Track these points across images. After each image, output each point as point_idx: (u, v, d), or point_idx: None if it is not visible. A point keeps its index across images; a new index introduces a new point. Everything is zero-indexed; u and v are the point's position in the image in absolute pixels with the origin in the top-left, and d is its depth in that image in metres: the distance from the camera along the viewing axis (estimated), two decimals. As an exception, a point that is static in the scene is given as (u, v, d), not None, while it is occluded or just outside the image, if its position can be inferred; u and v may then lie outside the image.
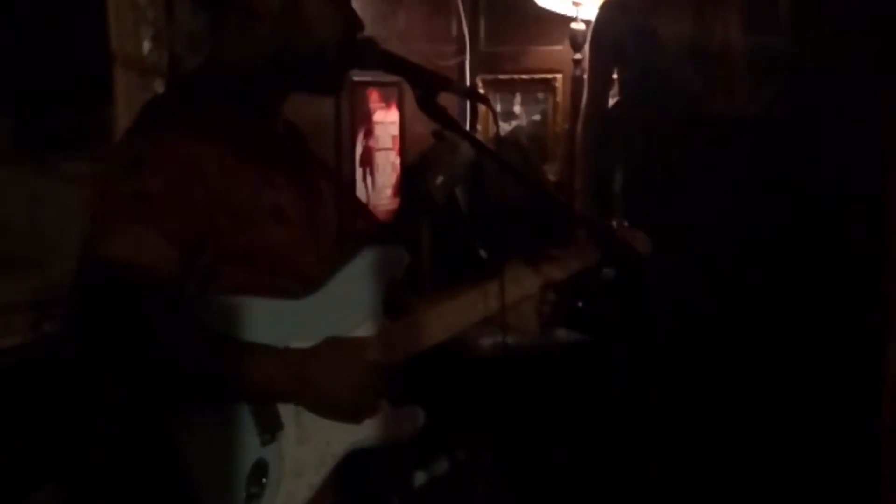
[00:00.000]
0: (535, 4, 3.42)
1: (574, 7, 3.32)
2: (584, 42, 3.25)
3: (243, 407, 1.38)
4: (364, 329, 1.50)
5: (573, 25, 3.34)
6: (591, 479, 2.76)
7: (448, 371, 2.37)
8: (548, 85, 3.72)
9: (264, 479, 1.38)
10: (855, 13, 2.65)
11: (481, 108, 3.53)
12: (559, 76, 3.68)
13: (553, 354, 2.93)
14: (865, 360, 2.55)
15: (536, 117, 3.77)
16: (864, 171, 2.61)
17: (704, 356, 2.67)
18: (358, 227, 1.71)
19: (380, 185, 3.28)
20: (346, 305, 1.49)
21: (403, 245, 1.56)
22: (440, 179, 1.63)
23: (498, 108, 3.73)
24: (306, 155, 1.67)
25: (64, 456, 1.92)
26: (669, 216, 2.61)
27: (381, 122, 3.29)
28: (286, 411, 1.41)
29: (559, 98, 3.70)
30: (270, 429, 1.39)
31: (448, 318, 1.56)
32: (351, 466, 1.48)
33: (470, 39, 3.71)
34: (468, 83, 3.70)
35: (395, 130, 3.35)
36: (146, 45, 2.27)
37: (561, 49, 3.57)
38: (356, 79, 3.07)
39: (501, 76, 3.75)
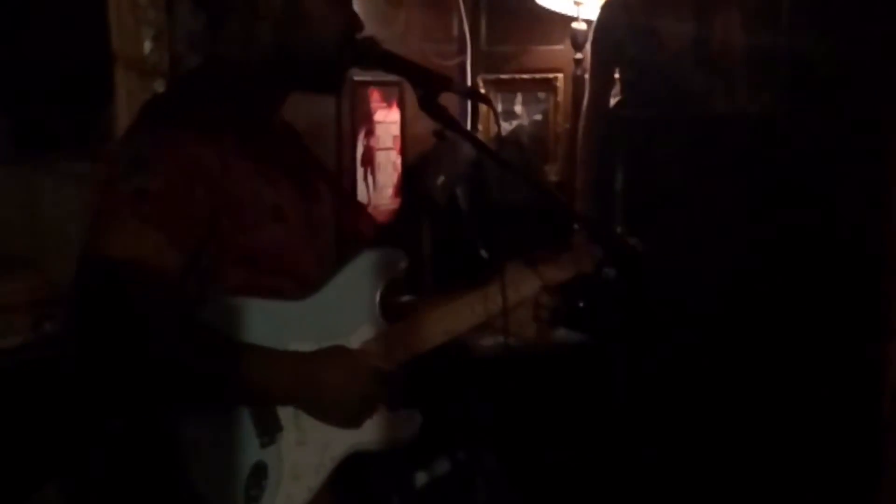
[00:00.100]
0: (536, 4, 3.41)
1: (575, 7, 3.32)
2: (585, 42, 3.24)
3: (243, 409, 1.38)
4: (363, 331, 1.50)
5: (574, 25, 3.34)
6: (591, 479, 2.76)
7: (449, 371, 2.37)
8: (549, 84, 3.71)
9: (263, 481, 1.38)
10: (855, 13, 2.65)
11: (482, 107, 3.52)
12: (560, 76, 3.67)
13: (553, 355, 2.93)
14: (866, 359, 2.55)
15: (537, 117, 3.76)
16: (864, 170, 2.60)
17: (705, 356, 2.67)
18: (356, 228, 1.71)
19: (381, 185, 3.28)
20: (344, 307, 1.49)
21: (403, 245, 1.56)
22: (441, 179, 1.63)
23: (499, 107, 3.72)
24: (305, 155, 1.67)
25: (64, 456, 1.92)
26: (670, 216, 2.60)
27: (382, 122, 3.28)
28: (285, 413, 1.41)
29: (560, 98, 3.70)
30: (270, 431, 1.39)
31: (447, 322, 1.56)
32: (351, 467, 1.48)
33: (471, 39, 3.70)
34: (469, 83, 3.69)
35: (396, 130, 3.35)
36: (147, 46, 2.27)
37: (562, 49, 3.57)
38: (357, 78, 3.07)
39: (502, 76, 3.75)
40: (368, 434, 1.48)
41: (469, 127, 3.51)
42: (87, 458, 1.85)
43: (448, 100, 1.49)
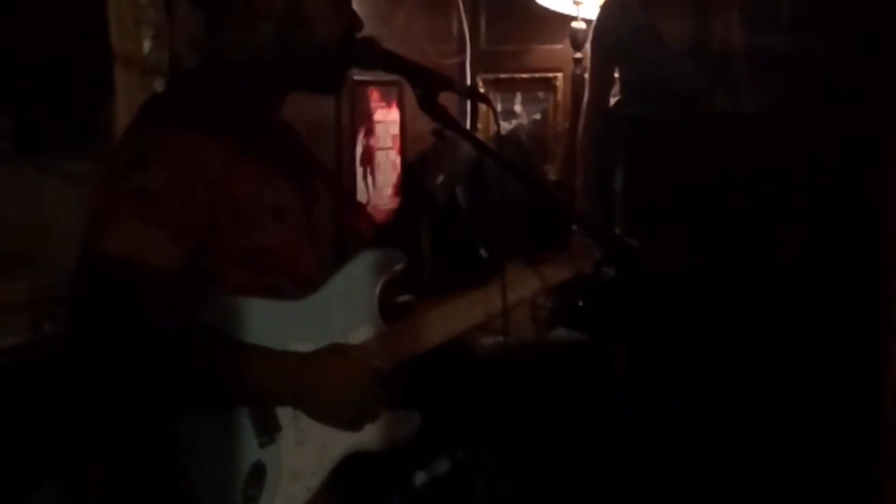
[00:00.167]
0: (535, 3, 3.41)
1: (575, 6, 3.32)
2: (585, 41, 3.24)
3: (242, 409, 1.38)
4: (362, 331, 1.50)
5: (574, 24, 3.34)
6: (591, 479, 2.76)
7: (448, 370, 2.37)
8: (548, 84, 3.71)
9: (262, 481, 1.38)
10: (855, 12, 2.65)
11: (482, 107, 3.52)
12: (560, 75, 3.67)
13: (553, 354, 2.93)
14: (866, 358, 2.55)
15: (537, 116, 3.76)
16: (864, 169, 2.60)
17: (704, 355, 2.67)
18: (356, 228, 1.71)
19: (380, 185, 3.28)
20: (343, 307, 1.49)
21: (402, 245, 1.56)
22: (441, 178, 1.63)
23: (498, 107, 3.72)
24: (304, 155, 1.67)
25: (63, 456, 1.92)
26: (670, 215, 2.60)
27: (382, 122, 3.28)
28: (284, 413, 1.41)
29: (560, 97, 3.69)
30: (269, 431, 1.39)
31: (446, 322, 1.55)
32: (350, 467, 1.48)
33: (470, 38, 3.70)
34: (469, 82, 3.69)
35: (395, 129, 3.35)
36: (146, 45, 2.27)
37: (561, 48, 3.57)
38: (357, 78, 3.07)
39: (502, 75, 3.75)
40: (368, 434, 1.48)
41: (469, 126, 3.51)
42: (86, 458, 1.85)
43: (447, 99, 1.49)
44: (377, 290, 1.51)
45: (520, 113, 3.77)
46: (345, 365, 1.44)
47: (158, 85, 2.26)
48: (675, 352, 2.68)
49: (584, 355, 2.92)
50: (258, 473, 1.38)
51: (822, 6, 2.75)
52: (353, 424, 1.45)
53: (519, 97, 3.76)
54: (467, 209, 3.07)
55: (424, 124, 1.56)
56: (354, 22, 1.52)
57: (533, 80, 3.72)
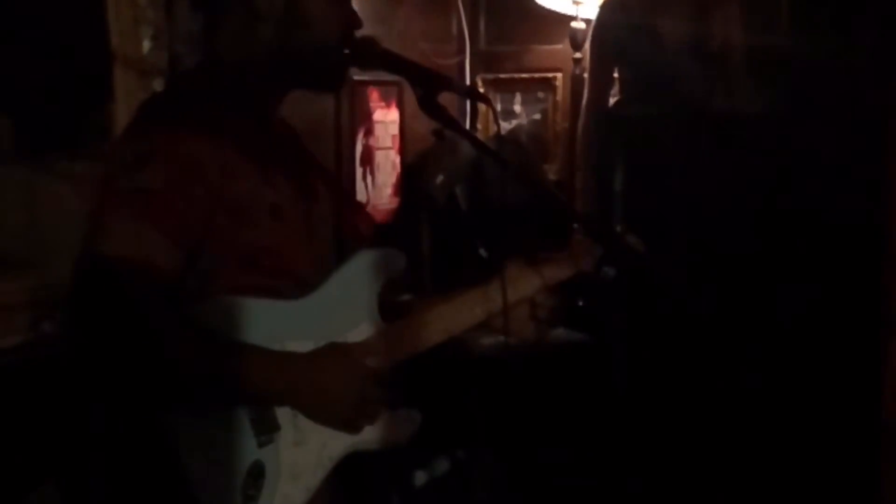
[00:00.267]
0: (535, 3, 3.41)
1: (574, 6, 3.32)
2: (585, 41, 3.24)
3: (240, 408, 1.38)
4: (361, 330, 1.50)
5: (573, 24, 3.34)
6: (591, 479, 2.76)
7: (448, 370, 2.37)
8: (548, 84, 3.71)
9: (261, 481, 1.38)
10: (855, 11, 2.65)
11: (481, 107, 3.52)
12: (559, 75, 3.67)
13: (553, 354, 2.93)
14: (866, 357, 2.55)
15: (537, 116, 3.76)
16: (863, 168, 2.60)
17: (704, 355, 2.67)
18: (355, 227, 1.70)
19: (380, 185, 3.28)
20: (342, 307, 1.49)
21: (402, 244, 1.55)
22: (440, 178, 1.63)
23: (498, 107, 3.72)
24: (303, 154, 1.67)
25: (62, 456, 1.92)
26: (670, 215, 2.60)
27: (382, 121, 3.28)
28: (283, 413, 1.41)
29: (559, 97, 3.70)
30: (267, 430, 1.39)
31: (446, 320, 1.55)
32: (350, 467, 1.48)
33: (470, 38, 3.70)
34: (468, 82, 3.69)
35: (395, 129, 3.35)
36: (146, 45, 2.27)
37: (561, 48, 3.57)
38: (356, 78, 3.07)
39: (501, 75, 3.75)
40: (368, 433, 1.48)
41: (468, 126, 3.51)
42: (85, 458, 1.85)
43: (447, 99, 1.49)
44: (377, 290, 1.51)
45: (519, 113, 3.77)
46: (341, 364, 1.43)
47: (157, 85, 2.26)
48: (676, 351, 2.68)
49: (584, 355, 2.93)
50: (257, 473, 1.38)
51: (822, 6, 2.75)
52: (351, 425, 1.45)
53: (518, 97, 3.76)
54: (467, 209, 3.07)
55: (424, 124, 1.56)
56: (354, 20, 1.52)
57: (532, 80, 3.73)
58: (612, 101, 3.00)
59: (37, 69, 2.16)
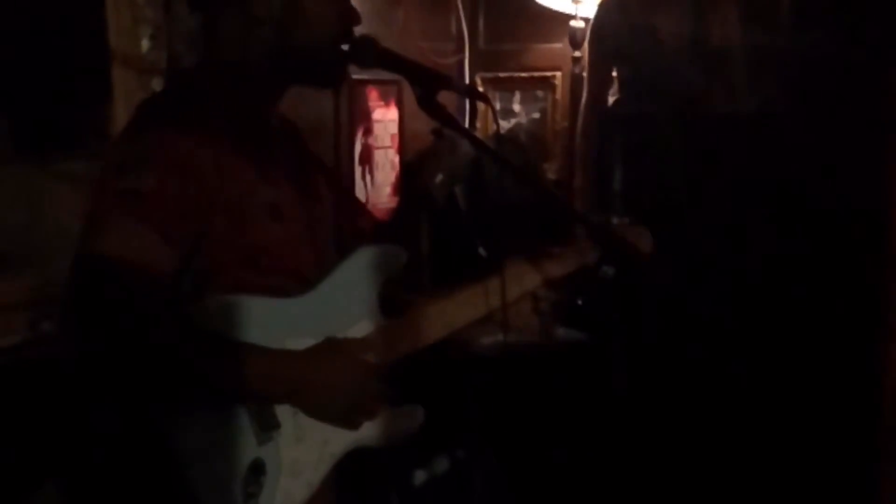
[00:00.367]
0: (534, 2, 3.41)
1: (573, 4, 3.32)
2: (584, 40, 3.24)
3: (240, 407, 1.38)
4: (360, 327, 1.49)
5: (572, 23, 3.34)
6: (591, 478, 2.76)
7: (448, 370, 2.37)
8: (547, 83, 3.71)
9: (262, 478, 1.38)
10: (854, 10, 2.65)
11: (480, 106, 3.52)
12: (558, 74, 3.67)
13: (552, 353, 2.93)
14: (865, 359, 2.55)
15: (536, 115, 3.76)
16: (863, 167, 2.60)
17: (703, 355, 2.67)
18: (356, 225, 1.70)
19: (379, 184, 3.28)
20: (342, 304, 1.48)
21: (402, 243, 1.55)
22: (439, 178, 1.63)
23: (497, 106, 3.72)
24: (303, 152, 1.67)
25: (62, 455, 1.91)
26: (668, 214, 2.60)
27: (381, 121, 3.28)
28: (283, 410, 1.41)
29: (559, 96, 3.69)
30: (267, 428, 1.39)
31: (447, 316, 1.55)
32: (350, 465, 1.48)
33: (469, 37, 3.70)
34: (467, 81, 3.69)
35: (394, 128, 3.35)
36: (145, 44, 2.26)
37: (560, 47, 3.57)
38: (355, 77, 3.07)
39: (501, 74, 3.75)
40: (369, 430, 1.48)
41: (467, 125, 3.51)
42: (85, 457, 1.85)
43: (446, 98, 1.49)
44: (378, 287, 1.51)
45: (519, 112, 3.77)
46: (339, 360, 1.43)
47: (156, 84, 2.26)
48: (674, 351, 2.68)
49: (584, 354, 2.92)
50: (258, 471, 1.38)
51: (820, 4, 2.75)
52: (350, 421, 1.45)
53: (518, 96, 3.76)
54: (466, 208, 3.07)
55: (423, 123, 1.56)
56: (352, 16, 1.52)
57: (532, 78, 3.73)
58: (611, 100, 3.00)
59: (35, 68, 2.16)
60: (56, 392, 1.81)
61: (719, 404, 2.69)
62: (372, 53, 1.51)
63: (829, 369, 2.68)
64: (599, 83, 2.96)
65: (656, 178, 2.72)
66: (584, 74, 3.10)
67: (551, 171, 3.70)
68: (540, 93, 3.74)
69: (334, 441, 1.45)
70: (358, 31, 1.53)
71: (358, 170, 3.17)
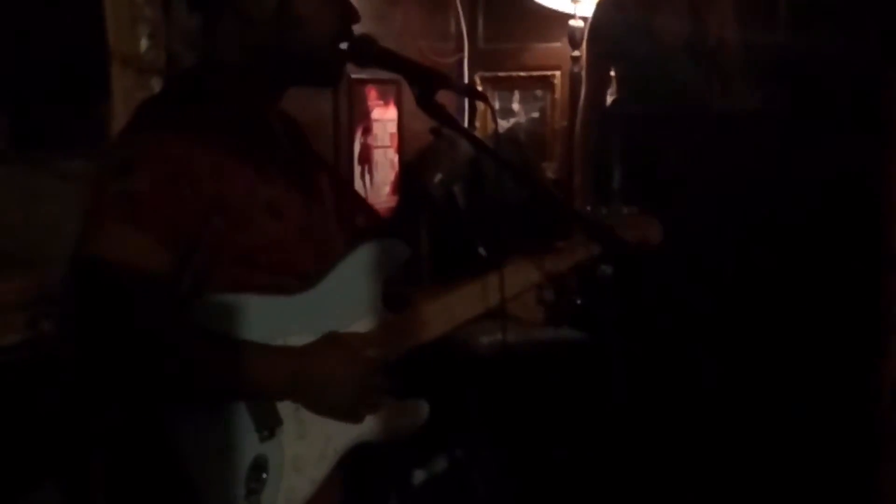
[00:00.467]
0: (533, 1, 3.42)
1: (572, 4, 3.32)
2: (583, 39, 3.24)
3: (240, 404, 1.38)
4: (363, 323, 1.49)
5: (571, 22, 3.34)
6: (590, 477, 2.76)
7: (447, 369, 2.37)
8: (546, 82, 3.72)
9: (264, 475, 1.38)
10: (852, 9, 2.65)
11: (480, 105, 3.52)
12: (557, 73, 3.68)
13: (551, 352, 2.93)
14: (864, 357, 2.55)
15: (535, 114, 3.77)
16: (862, 166, 2.60)
17: (702, 354, 2.67)
18: (358, 221, 1.70)
19: (378, 183, 3.28)
20: (344, 300, 1.48)
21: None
22: (439, 177, 1.62)
23: (496, 105, 3.73)
24: (305, 150, 1.66)
25: (63, 455, 1.91)
26: (667, 213, 2.60)
27: (380, 120, 3.29)
28: (285, 407, 1.41)
29: (558, 95, 3.70)
30: (269, 425, 1.39)
31: (450, 311, 1.55)
32: (348, 465, 1.48)
33: (468, 37, 3.71)
34: (466, 80, 3.70)
35: (393, 128, 3.35)
36: (143, 43, 2.26)
37: (559, 46, 3.57)
38: (354, 76, 3.07)
39: (500, 73, 3.75)
40: (372, 425, 1.47)
41: (466, 125, 3.51)
42: (85, 455, 1.85)
43: (445, 97, 1.49)
44: (381, 282, 1.51)
45: (518, 111, 3.78)
46: (339, 354, 1.43)
47: (155, 83, 2.26)
48: (673, 349, 2.68)
49: (583, 353, 2.93)
50: (260, 467, 1.38)
51: (818, 3, 2.75)
52: (351, 415, 1.45)
53: (517, 95, 3.77)
54: (465, 208, 3.08)
55: (422, 123, 1.56)
56: (351, 14, 1.52)
57: (531, 78, 3.73)
58: (609, 99, 3.00)
59: (34, 67, 2.16)
60: (55, 391, 1.81)
61: (717, 400, 2.69)
62: (370, 53, 1.51)
63: (829, 364, 2.68)
64: (597, 82, 2.96)
65: (655, 177, 2.72)
66: (583, 73, 3.10)
67: (551, 171, 3.70)
68: (539, 92, 3.74)
69: (337, 436, 1.45)
70: (357, 29, 1.53)
71: (357, 169, 3.17)
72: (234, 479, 1.36)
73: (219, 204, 1.38)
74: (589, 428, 2.81)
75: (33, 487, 1.91)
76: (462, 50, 3.70)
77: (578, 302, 2.56)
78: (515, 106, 3.77)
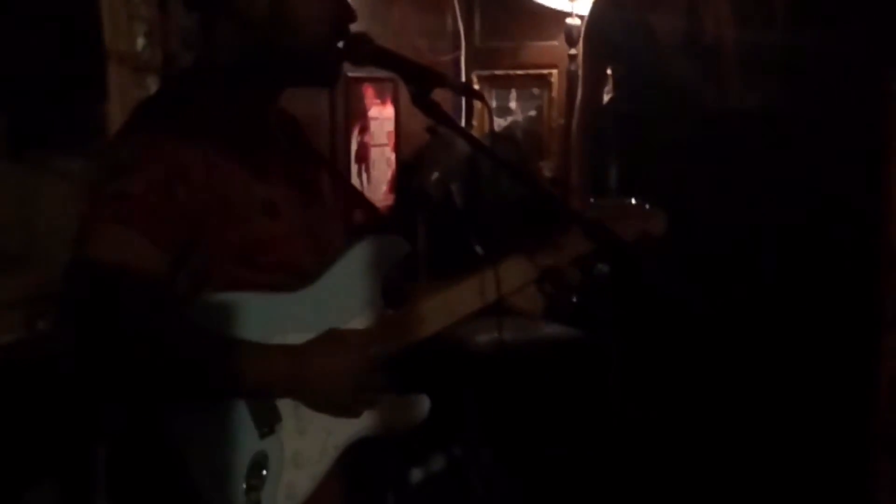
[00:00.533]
0: (530, 0, 3.42)
1: (569, 2, 3.32)
2: (580, 37, 3.24)
3: (240, 401, 1.38)
4: (361, 320, 1.49)
5: (568, 21, 3.34)
6: (588, 476, 2.76)
7: (445, 368, 2.37)
8: (543, 80, 3.72)
9: (264, 471, 1.38)
10: (851, 8, 2.65)
11: (476, 103, 3.53)
12: (555, 71, 3.68)
13: (549, 351, 2.93)
14: (862, 356, 2.55)
15: (532, 113, 3.77)
16: (860, 165, 2.61)
17: (700, 353, 2.67)
18: (357, 217, 1.70)
19: (375, 182, 3.28)
20: (342, 296, 1.49)
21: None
22: (435, 175, 1.63)
23: (493, 103, 3.73)
24: (303, 147, 1.67)
25: (60, 453, 1.92)
26: (664, 212, 2.60)
27: (377, 118, 3.28)
28: (285, 403, 1.41)
29: (555, 93, 3.70)
30: (269, 421, 1.39)
31: (449, 307, 1.55)
32: (345, 464, 1.48)
33: (465, 35, 3.71)
34: (463, 79, 3.69)
35: (390, 126, 3.35)
36: (140, 42, 2.26)
37: (556, 44, 3.57)
38: (351, 75, 3.07)
39: (497, 72, 3.75)
40: (372, 420, 1.47)
41: (463, 123, 3.51)
42: (83, 455, 1.85)
43: (442, 96, 1.49)
44: (380, 278, 1.51)
45: (515, 109, 3.78)
46: (336, 349, 1.43)
47: (152, 82, 2.26)
48: (670, 348, 2.69)
49: (578, 351, 2.93)
50: (260, 464, 1.38)
51: (817, 2, 2.75)
52: (350, 410, 1.45)
53: (514, 94, 3.77)
54: (462, 206, 3.08)
55: (419, 121, 1.56)
56: (348, 13, 1.52)
57: (528, 76, 3.73)
58: (606, 98, 3.00)
59: (31, 66, 2.16)
60: (53, 391, 1.81)
61: (715, 398, 2.69)
62: (366, 51, 1.51)
63: (827, 361, 2.69)
64: (594, 81, 2.95)
65: (651, 175, 2.72)
66: (580, 72, 3.10)
67: (548, 169, 3.71)
68: (536, 90, 3.74)
69: (337, 432, 1.45)
70: (353, 28, 1.53)
71: (354, 168, 3.17)
72: (235, 476, 1.36)
73: (215, 204, 1.38)
74: (586, 426, 2.81)
75: (31, 486, 1.91)
76: (459, 48, 3.70)
77: (574, 300, 2.55)
78: (512, 104, 3.77)
